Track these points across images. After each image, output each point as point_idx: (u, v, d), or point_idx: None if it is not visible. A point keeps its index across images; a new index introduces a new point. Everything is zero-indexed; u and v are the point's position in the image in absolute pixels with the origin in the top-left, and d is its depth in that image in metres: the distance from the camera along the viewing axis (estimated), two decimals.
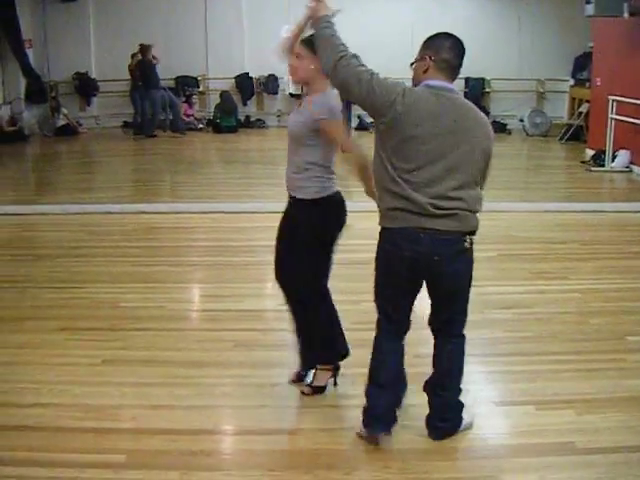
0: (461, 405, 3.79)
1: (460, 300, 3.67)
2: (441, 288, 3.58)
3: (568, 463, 3.53)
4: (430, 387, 3.80)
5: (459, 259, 3.48)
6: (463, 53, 3.50)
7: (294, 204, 4.05)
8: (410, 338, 4.94)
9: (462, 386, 3.89)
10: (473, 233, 3.50)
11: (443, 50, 3.44)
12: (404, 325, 3.77)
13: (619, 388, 4.30)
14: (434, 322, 3.77)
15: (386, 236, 3.54)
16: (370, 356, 3.85)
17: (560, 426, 3.86)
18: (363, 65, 3.39)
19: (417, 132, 3.32)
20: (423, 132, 3.33)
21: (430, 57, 3.44)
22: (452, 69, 3.47)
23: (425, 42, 3.52)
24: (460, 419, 3.77)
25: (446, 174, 3.36)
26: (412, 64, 3.58)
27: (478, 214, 3.50)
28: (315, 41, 3.53)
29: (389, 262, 3.55)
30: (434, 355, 3.82)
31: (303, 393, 4.17)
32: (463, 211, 3.40)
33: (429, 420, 3.75)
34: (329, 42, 3.42)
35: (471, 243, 3.50)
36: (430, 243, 3.39)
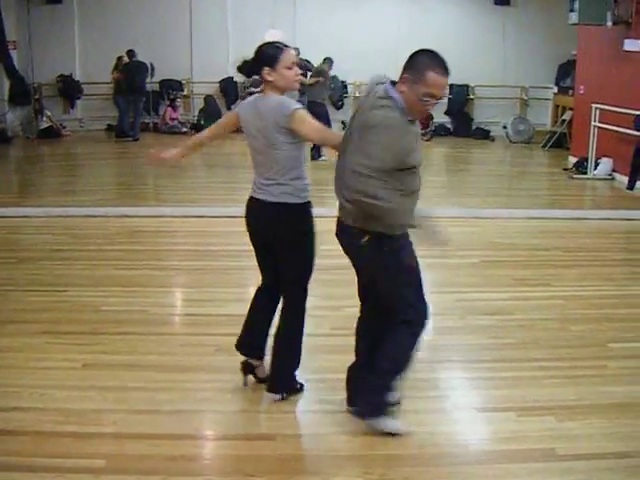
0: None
1: None
2: None
3: (549, 469, 3.54)
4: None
5: None
6: None
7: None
8: None
9: (443, 392, 3.90)
10: None
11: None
12: None
13: (600, 395, 4.32)
14: None
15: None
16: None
17: (541, 432, 3.87)
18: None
19: None
20: None
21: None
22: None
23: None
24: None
25: None
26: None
27: None
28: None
29: None
30: None
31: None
32: None
33: None
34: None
35: None
36: None
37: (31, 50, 16.21)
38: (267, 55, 3.88)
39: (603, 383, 4.49)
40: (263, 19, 15.88)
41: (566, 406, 4.16)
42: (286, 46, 3.93)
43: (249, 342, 4.29)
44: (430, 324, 5.69)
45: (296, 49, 15.15)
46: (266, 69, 3.85)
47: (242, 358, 4.29)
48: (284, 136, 3.83)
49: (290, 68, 3.88)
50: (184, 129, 16.81)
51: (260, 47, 3.96)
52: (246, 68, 4.03)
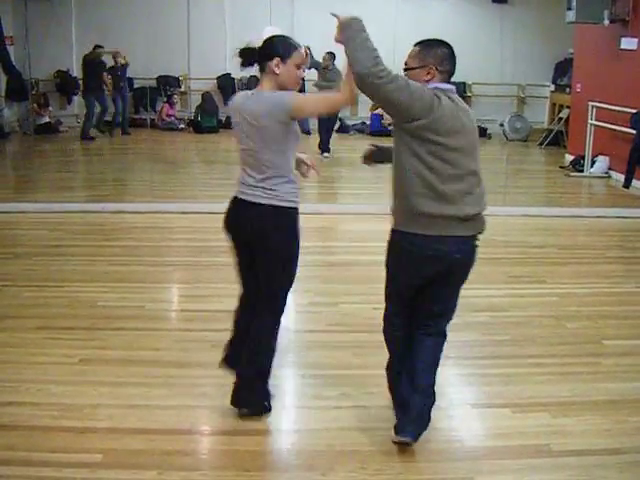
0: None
1: None
2: None
3: (543, 465, 3.56)
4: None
5: None
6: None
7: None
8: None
9: (438, 389, 3.91)
10: None
11: (446, 60, 3.56)
12: None
13: (595, 391, 4.35)
14: None
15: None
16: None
17: (535, 429, 3.89)
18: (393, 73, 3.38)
19: (451, 135, 3.46)
20: (454, 134, 3.48)
21: (435, 67, 3.52)
22: (450, 76, 3.61)
23: (423, 49, 3.58)
24: None
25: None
26: (407, 69, 3.60)
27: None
28: (348, 41, 3.43)
29: None
30: None
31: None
32: None
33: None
34: (365, 45, 3.38)
35: None
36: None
37: (28, 46, 16.14)
38: (280, 46, 3.73)
39: (597, 380, 4.51)
40: (260, 16, 15.85)
41: (560, 402, 4.18)
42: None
43: (236, 362, 4.03)
44: None
45: (307, 47, 15.04)
46: (276, 60, 3.69)
47: None
48: (281, 134, 3.70)
49: (299, 67, 3.78)
50: (181, 125, 16.84)
51: (273, 37, 3.80)
52: (248, 55, 3.85)
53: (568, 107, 14.68)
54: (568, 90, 14.76)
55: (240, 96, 3.91)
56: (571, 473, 3.49)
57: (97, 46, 15.15)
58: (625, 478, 3.44)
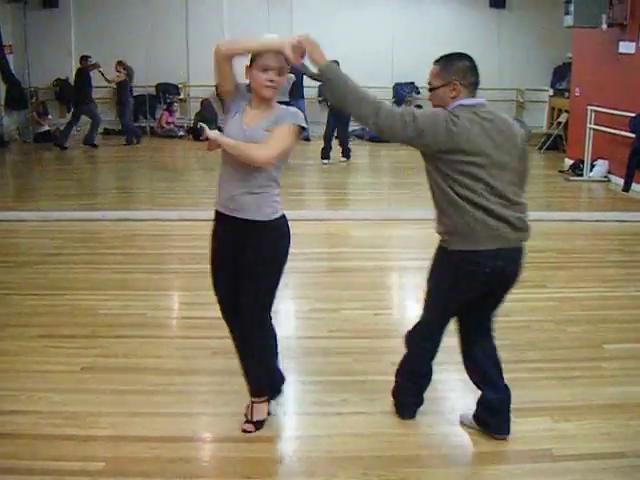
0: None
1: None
2: None
3: (545, 470, 3.56)
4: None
5: None
6: None
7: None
8: (390, 346, 4.99)
9: (441, 394, 3.92)
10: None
11: (469, 73, 3.58)
12: None
13: (596, 395, 4.35)
14: None
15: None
16: None
17: (537, 433, 3.89)
18: (397, 108, 3.48)
19: (480, 152, 3.43)
20: (484, 149, 3.44)
21: (459, 82, 3.53)
22: (476, 88, 3.63)
23: (444, 66, 3.57)
24: None
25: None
26: (432, 89, 3.60)
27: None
28: (331, 90, 3.52)
29: None
30: None
31: (246, 431, 3.87)
32: None
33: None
34: (355, 93, 3.46)
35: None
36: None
37: (27, 54, 16.21)
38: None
39: (598, 384, 4.52)
40: (259, 23, 15.90)
41: (562, 407, 4.18)
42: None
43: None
44: None
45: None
46: (246, 65, 3.63)
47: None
48: None
49: (264, 71, 3.56)
50: (180, 133, 16.85)
51: None
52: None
53: (567, 111, 14.68)
54: (567, 94, 14.78)
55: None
56: (574, 478, 3.50)
57: (85, 57, 15.16)
58: None
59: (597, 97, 12.25)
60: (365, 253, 7.49)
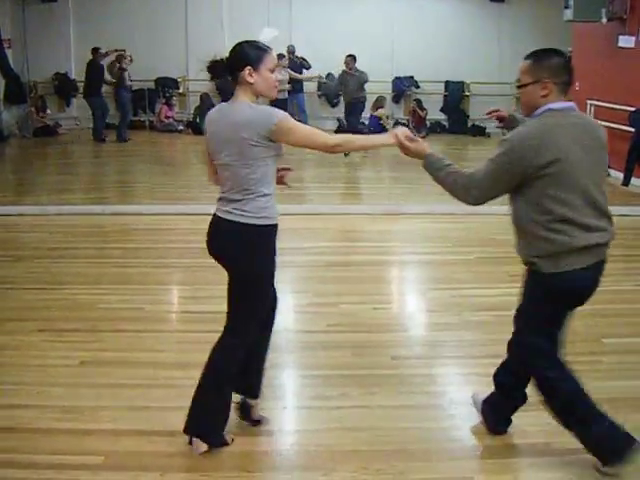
0: None
1: None
2: None
3: (544, 464, 3.57)
4: None
5: None
6: None
7: None
8: (389, 340, 5.01)
9: (440, 388, 3.92)
10: None
11: (562, 71, 3.34)
12: None
13: (595, 389, 4.31)
14: None
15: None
16: None
17: (536, 427, 3.89)
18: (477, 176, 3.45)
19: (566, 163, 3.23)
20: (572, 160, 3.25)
21: (552, 81, 3.29)
22: (569, 88, 3.38)
23: (535, 62, 3.35)
24: None
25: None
26: (520, 86, 3.42)
27: None
28: (436, 179, 3.59)
29: None
30: None
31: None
32: None
33: None
34: (454, 183, 3.52)
35: None
36: None
37: (26, 48, 16.20)
38: (250, 54, 3.47)
39: (597, 378, 4.50)
40: (258, 17, 15.89)
41: None
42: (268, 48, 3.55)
43: (244, 381, 3.85)
44: (427, 320, 5.75)
45: (291, 46, 15.25)
46: (248, 69, 3.45)
47: None
48: (261, 149, 3.40)
49: (272, 71, 3.53)
50: (180, 127, 16.84)
51: (239, 45, 3.55)
52: (216, 68, 3.73)
53: None
54: None
55: (217, 109, 3.68)
56: (573, 472, 3.50)
57: (96, 49, 15.12)
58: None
59: (597, 91, 12.25)
60: (364, 247, 7.49)
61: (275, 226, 3.56)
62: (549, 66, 3.31)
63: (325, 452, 3.67)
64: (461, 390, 4.37)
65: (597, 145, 3.37)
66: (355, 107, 13.99)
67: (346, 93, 14.16)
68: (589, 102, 12.13)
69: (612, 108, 11.42)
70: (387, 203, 9.76)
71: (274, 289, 3.78)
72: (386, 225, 8.37)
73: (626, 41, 11.49)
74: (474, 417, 4.04)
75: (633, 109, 10.58)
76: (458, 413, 4.05)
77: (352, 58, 13.91)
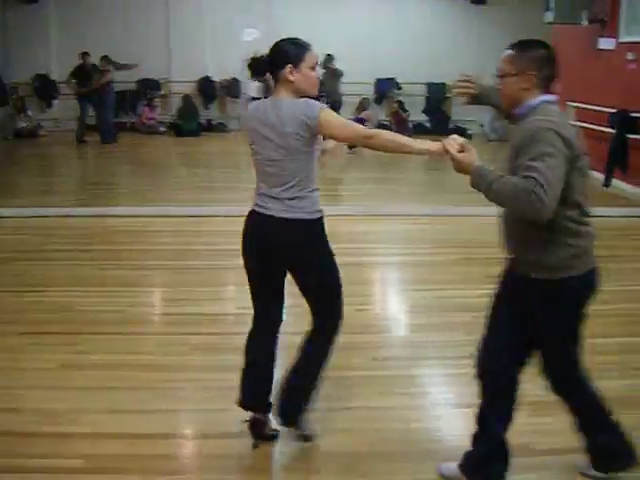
0: None
1: None
2: None
3: (523, 464, 3.57)
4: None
5: None
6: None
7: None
8: (371, 341, 5.01)
9: (422, 389, 3.92)
10: None
11: (546, 64, 3.18)
12: None
13: None
14: None
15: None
16: None
17: (515, 427, 3.89)
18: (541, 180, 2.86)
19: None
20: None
21: (535, 74, 3.13)
22: (552, 82, 3.22)
23: (518, 52, 3.17)
24: None
25: None
26: (502, 76, 3.22)
27: None
28: (491, 196, 3.03)
29: None
30: None
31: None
32: None
33: None
34: (510, 196, 2.93)
35: None
36: None
37: (7, 49, 16.10)
38: (290, 52, 3.48)
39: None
40: (240, 18, 15.90)
41: (540, 401, 4.18)
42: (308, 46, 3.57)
43: (257, 394, 3.78)
44: (408, 321, 5.76)
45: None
46: (289, 67, 3.45)
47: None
48: (303, 143, 3.42)
49: (313, 69, 3.54)
50: (161, 129, 16.79)
51: (280, 43, 3.54)
52: (258, 65, 3.77)
53: None
54: None
55: (256, 106, 3.65)
56: (552, 472, 3.54)
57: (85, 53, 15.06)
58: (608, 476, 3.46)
59: (577, 93, 12.31)
60: (345, 249, 7.46)
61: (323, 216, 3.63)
62: (533, 58, 3.14)
63: (308, 454, 3.67)
64: (442, 391, 4.39)
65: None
66: (333, 108, 13.98)
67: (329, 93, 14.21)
68: (569, 104, 12.19)
69: (592, 110, 11.48)
70: (368, 204, 9.79)
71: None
72: (367, 226, 8.37)
73: (606, 43, 11.57)
74: (455, 418, 4.06)
75: (613, 110, 10.63)
76: (440, 414, 4.06)
77: (330, 57, 13.96)
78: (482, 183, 3.02)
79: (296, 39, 3.58)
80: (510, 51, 3.20)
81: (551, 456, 3.65)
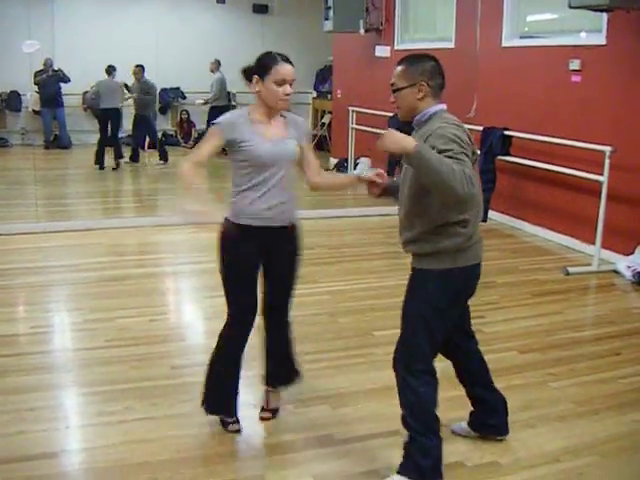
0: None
1: None
2: None
3: (330, 453, 3.73)
4: None
5: None
6: None
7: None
8: (168, 350, 4.99)
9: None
10: None
11: (436, 74, 3.33)
12: None
13: (370, 380, 4.60)
14: None
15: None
16: None
17: (318, 421, 4.06)
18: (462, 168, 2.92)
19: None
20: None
21: (427, 83, 3.29)
22: (442, 91, 3.37)
23: (409, 66, 3.35)
24: None
25: None
26: (396, 90, 3.36)
27: None
28: (429, 173, 2.94)
29: None
30: None
31: (263, 419, 4.13)
32: None
33: None
34: (451, 173, 2.87)
35: None
36: None
37: None
38: (260, 63, 3.64)
39: (371, 369, 4.77)
40: (20, 30, 15.28)
41: (339, 394, 4.40)
42: (287, 60, 3.63)
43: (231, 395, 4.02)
44: (204, 328, 5.77)
45: (49, 59, 14.89)
46: (255, 77, 3.61)
47: None
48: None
49: (279, 85, 3.58)
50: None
51: (263, 54, 3.70)
52: (246, 73, 3.76)
53: (330, 112, 15.26)
54: (329, 96, 15.37)
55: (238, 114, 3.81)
56: (357, 458, 3.69)
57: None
58: None
59: (357, 98, 12.84)
60: (135, 260, 7.45)
61: None
62: (424, 69, 3.31)
63: (114, 468, 3.61)
64: (244, 392, 4.45)
65: None
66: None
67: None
68: (351, 109, 12.68)
69: (372, 114, 12.00)
70: (155, 215, 9.74)
71: None
72: (155, 237, 8.32)
73: (382, 51, 12.15)
74: (254, 418, 4.13)
75: (390, 114, 11.16)
76: (244, 415, 4.11)
77: (141, 68, 13.77)
78: (427, 152, 2.93)
79: (277, 53, 3.65)
80: (400, 66, 3.39)
81: (354, 443, 3.83)
